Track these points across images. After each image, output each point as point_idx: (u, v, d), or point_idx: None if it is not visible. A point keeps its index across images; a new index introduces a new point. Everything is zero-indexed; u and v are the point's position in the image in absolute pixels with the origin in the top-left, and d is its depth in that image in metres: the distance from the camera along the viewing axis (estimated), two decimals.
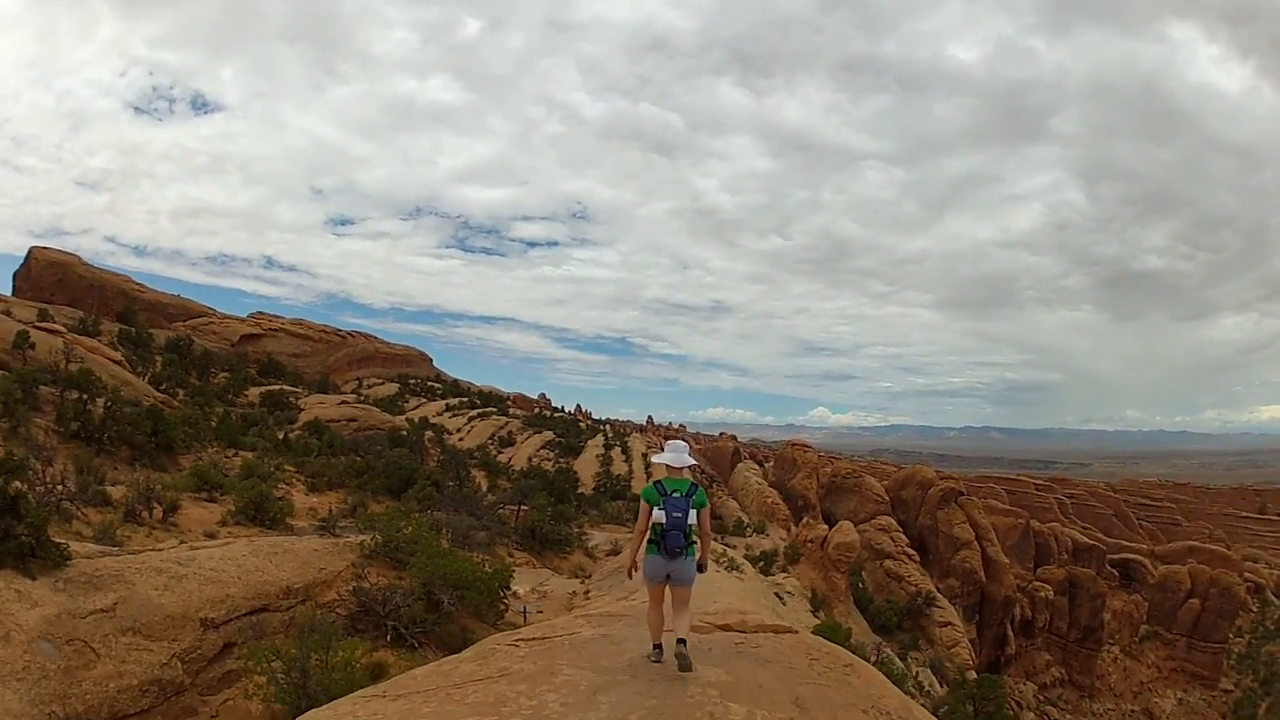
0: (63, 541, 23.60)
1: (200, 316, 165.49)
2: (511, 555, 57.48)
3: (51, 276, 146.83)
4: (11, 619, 20.03)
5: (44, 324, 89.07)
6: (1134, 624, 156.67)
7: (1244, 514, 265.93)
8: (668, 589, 13.52)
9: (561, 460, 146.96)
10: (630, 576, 14.68)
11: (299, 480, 65.64)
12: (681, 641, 13.24)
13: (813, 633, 43.38)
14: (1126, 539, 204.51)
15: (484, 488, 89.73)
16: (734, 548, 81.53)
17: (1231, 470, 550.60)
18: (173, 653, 22.25)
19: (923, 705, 36.32)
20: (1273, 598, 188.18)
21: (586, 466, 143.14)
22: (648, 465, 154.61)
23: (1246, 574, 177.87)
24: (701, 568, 13.61)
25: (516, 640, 15.84)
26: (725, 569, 46.30)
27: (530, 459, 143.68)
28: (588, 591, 35.42)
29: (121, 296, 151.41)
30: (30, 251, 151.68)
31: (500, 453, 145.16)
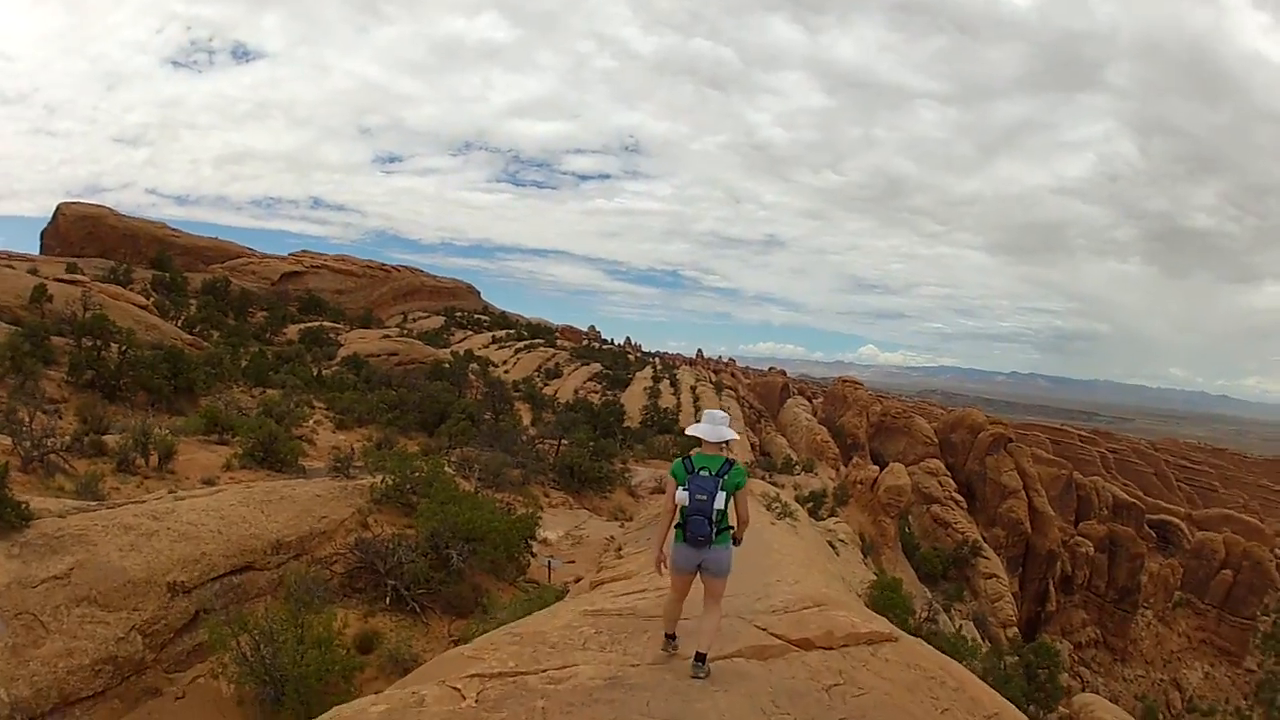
0: (24, 500, 20.80)
1: (239, 257, 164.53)
2: (547, 495, 55.65)
3: (81, 230, 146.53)
4: None
5: (66, 276, 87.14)
6: (1169, 589, 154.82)
7: (1278, 487, 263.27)
8: (698, 578, 11.42)
9: (609, 393, 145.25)
10: (660, 572, 11.90)
11: (327, 417, 63.69)
12: (700, 657, 11.16)
13: (872, 593, 40.70)
14: (1165, 499, 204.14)
15: (527, 421, 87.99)
16: (782, 486, 78.39)
17: (1269, 441, 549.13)
18: (132, 625, 19.66)
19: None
20: None
21: (634, 399, 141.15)
22: (696, 399, 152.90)
23: (1277, 549, 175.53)
24: (736, 540, 11.42)
25: (467, 678, 10.50)
26: (778, 515, 42.52)
27: (577, 391, 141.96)
28: (620, 548, 31.01)
29: (155, 243, 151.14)
30: (58, 208, 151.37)
31: (546, 385, 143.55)
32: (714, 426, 11.52)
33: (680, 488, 11.03)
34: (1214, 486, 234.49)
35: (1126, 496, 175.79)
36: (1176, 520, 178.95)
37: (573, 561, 37.99)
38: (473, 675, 10.57)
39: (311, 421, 59.07)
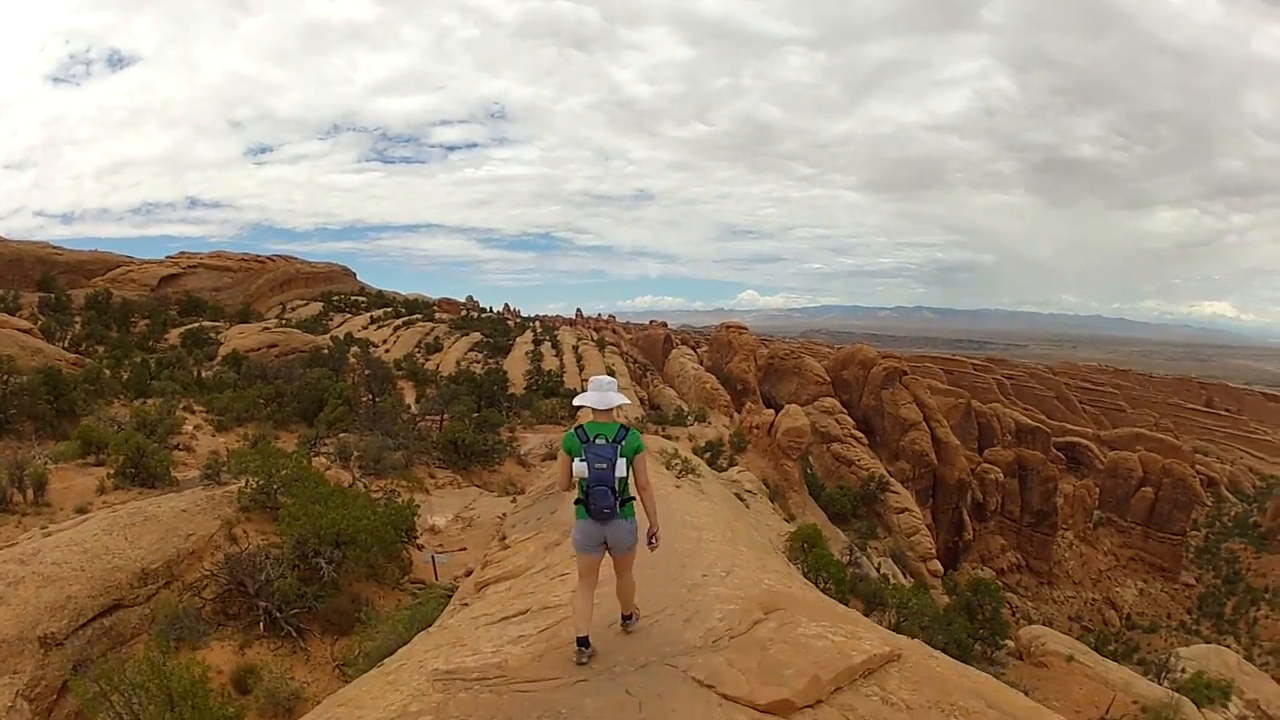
0: None
1: (119, 267, 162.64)
2: (433, 476, 54.90)
3: None
4: None
5: None
6: (1086, 509, 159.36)
7: (1190, 405, 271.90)
8: (605, 559, 11.10)
9: (490, 361, 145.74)
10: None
11: (206, 420, 62.45)
12: (627, 617, 11.43)
13: (791, 546, 40.60)
14: (1070, 422, 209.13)
15: (411, 398, 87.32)
16: (676, 439, 76.86)
17: (1173, 361, 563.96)
18: (15, 690, 18.93)
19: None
20: (1228, 493, 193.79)
21: (517, 365, 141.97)
22: (579, 359, 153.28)
23: (1198, 466, 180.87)
24: (652, 540, 11.09)
25: None
26: (679, 474, 39.58)
27: (458, 363, 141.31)
28: (504, 537, 27.30)
29: (40, 264, 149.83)
30: None
31: (428, 360, 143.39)
32: (602, 394, 11.20)
33: (577, 459, 10.77)
34: (1121, 407, 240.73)
35: (1029, 421, 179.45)
36: (1085, 441, 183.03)
37: (464, 549, 37.06)
38: None
39: (191, 427, 57.78)
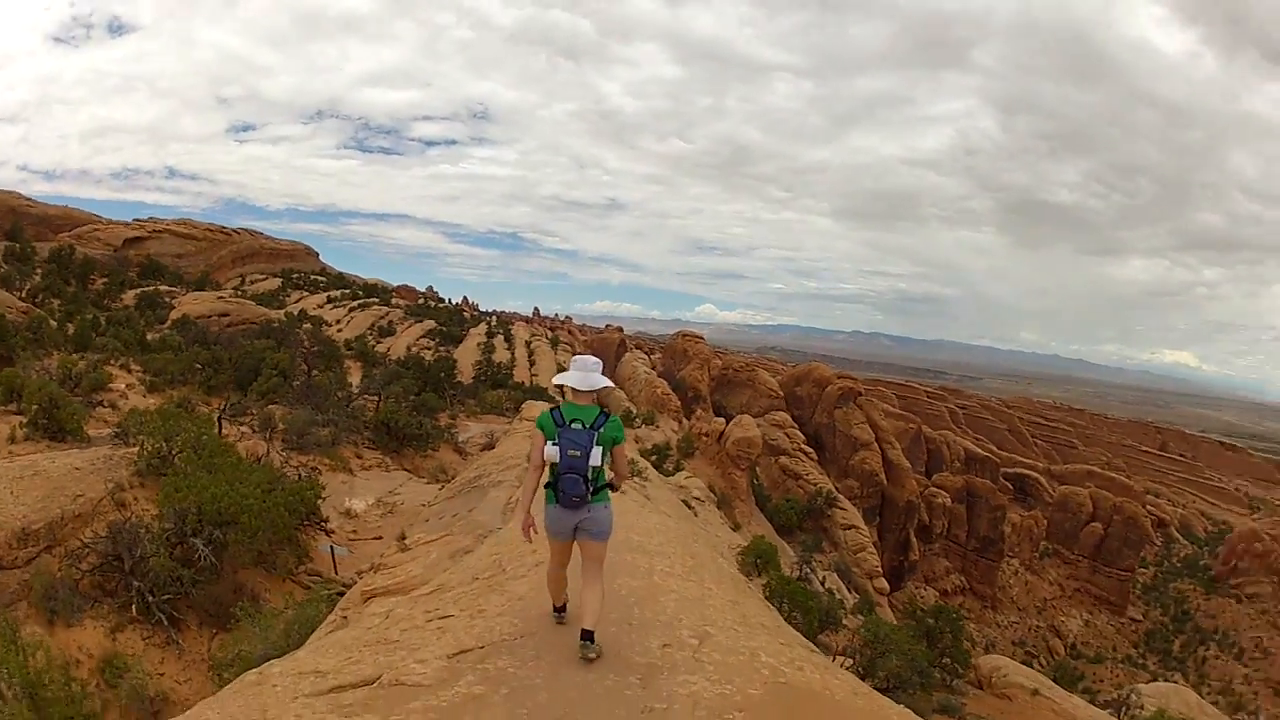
0: None
1: (86, 225, 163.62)
2: (360, 456, 53.51)
3: None
4: None
5: None
6: (1034, 539, 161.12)
7: (1144, 448, 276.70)
8: (576, 545, 10.43)
9: (442, 349, 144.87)
10: (529, 539, 10.64)
11: (141, 380, 60.82)
12: (588, 634, 9.91)
13: (744, 558, 39.62)
14: (1020, 454, 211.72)
15: (357, 378, 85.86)
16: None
17: (1130, 405, 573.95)
18: None
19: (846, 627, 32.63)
20: (1178, 535, 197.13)
21: (467, 355, 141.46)
22: (531, 354, 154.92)
23: (1149, 507, 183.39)
24: (613, 486, 10.41)
25: None
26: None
27: (409, 348, 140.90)
28: (403, 536, 24.07)
29: (10, 213, 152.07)
30: None
31: (379, 342, 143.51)
32: (585, 374, 10.47)
33: (549, 442, 10.11)
34: (1073, 444, 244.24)
35: (979, 450, 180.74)
36: (1034, 474, 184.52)
37: (379, 538, 34.70)
38: None
39: (123, 385, 56.50)
